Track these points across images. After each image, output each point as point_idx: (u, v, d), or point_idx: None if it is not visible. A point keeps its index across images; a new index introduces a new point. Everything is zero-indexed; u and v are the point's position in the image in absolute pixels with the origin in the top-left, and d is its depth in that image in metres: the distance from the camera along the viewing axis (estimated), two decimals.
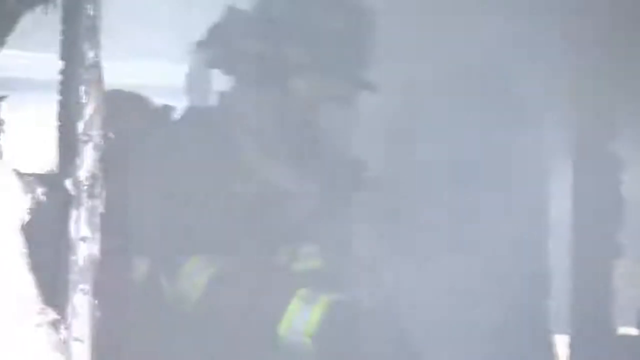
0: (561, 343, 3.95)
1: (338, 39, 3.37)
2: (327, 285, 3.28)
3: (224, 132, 3.39)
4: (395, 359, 3.21)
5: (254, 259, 3.24)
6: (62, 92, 2.61)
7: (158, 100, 3.30)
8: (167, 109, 3.37)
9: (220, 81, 3.52)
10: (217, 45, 3.31)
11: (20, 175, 2.59)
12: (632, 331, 3.93)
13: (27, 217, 2.59)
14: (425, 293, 4.10)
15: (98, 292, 2.59)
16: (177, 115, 3.44)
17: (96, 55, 2.59)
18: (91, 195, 2.59)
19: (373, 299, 3.36)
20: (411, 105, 4.42)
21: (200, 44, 3.37)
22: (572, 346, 3.89)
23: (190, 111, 3.54)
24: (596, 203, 4.19)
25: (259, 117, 3.50)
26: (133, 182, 2.86)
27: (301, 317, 3.11)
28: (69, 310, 2.57)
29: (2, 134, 2.58)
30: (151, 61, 3.81)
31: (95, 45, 2.60)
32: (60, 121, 2.61)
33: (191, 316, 3.17)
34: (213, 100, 3.60)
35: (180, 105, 3.47)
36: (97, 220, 2.59)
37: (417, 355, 3.33)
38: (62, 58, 2.61)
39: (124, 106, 3.04)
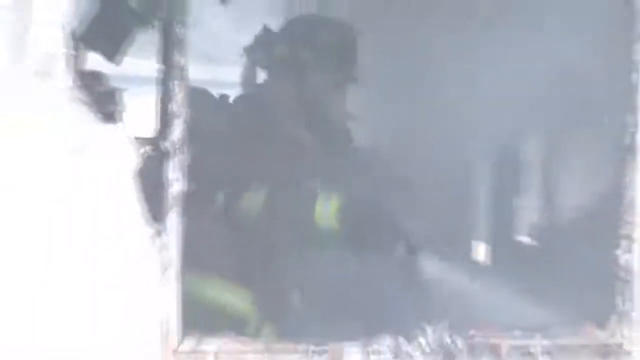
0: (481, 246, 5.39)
1: (335, 48, 4.92)
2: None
3: (264, 108, 4.92)
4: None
5: (288, 186, 4.79)
6: (161, 85, 4.02)
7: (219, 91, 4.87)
8: (224, 97, 4.94)
9: (261, 75, 5.01)
10: (258, 52, 4.85)
11: (136, 138, 3.98)
12: (525, 239, 5.34)
13: (139, 165, 3.98)
14: None
15: (184, 212, 4.00)
16: (232, 100, 5.01)
17: (183, 61, 3.99)
18: (180, 152, 4.00)
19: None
20: None
21: (247, 51, 4.90)
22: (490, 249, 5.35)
23: (242, 97, 5.08)
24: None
25: (287, 98, 5.00)
26: (206, 144, 4.30)
27: (325, 210, 4.66)
28: (167, 224, 3.99)
29: (124, 113, 3.99)
30: (215, 64, 5.28)
31: (183, 54, 4.00)
32: (160, 104, 4.02)
33: (253, 226, 4.68)
34: (256, 89, 5.12)
35: (234, 94, 4.97)
36: (184, 167, 4.01)
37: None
38: (161, 62, 4.01)
39: (198, 95, 4.48)
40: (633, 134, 4.28)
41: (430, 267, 4.80)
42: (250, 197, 4.76)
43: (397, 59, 5.96)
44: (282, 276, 4.87)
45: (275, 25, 4.94)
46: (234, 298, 4.77)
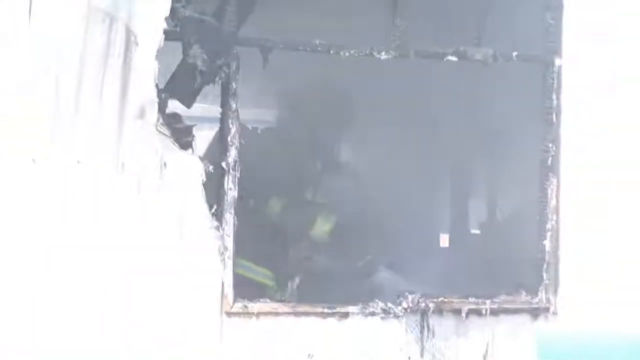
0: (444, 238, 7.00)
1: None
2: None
3: (281, 139, 6.69)
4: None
5: (299, 201, 6.53)
6: (221, 122, 5.60)
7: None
8: (254, 129, 6.73)
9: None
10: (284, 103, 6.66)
11: (202, 160, 5.54)
12: (476, 231, 6.93)
13: (204, 179, 5.53)
14: None
15: (236, 213, 5.56)
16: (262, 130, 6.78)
17: (236, 106, 5.57)
18: (233, 169, 5.58)
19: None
20: None
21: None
22: (450, 239, 6.94)
23: (267, 129, 6.91)
24: None
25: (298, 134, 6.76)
26: (252, 164, 5.92)
27: (321, 228, 6.44)
28: (224, 220, 5.56)
29: (194, 141, 5.54)
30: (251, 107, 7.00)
31: (236, 100, 5.58)
32: (220, 136, 5.60)
33: (273, 226, 6.38)
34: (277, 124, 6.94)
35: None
36: (236, 181, 5.58)
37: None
38: (221, 107, 5.60)
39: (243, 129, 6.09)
40: (553, 157, 5.90)
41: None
42: (272, 205, 6.47)
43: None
44: (289, 262, 6.51)
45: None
46: (256, 274, 6.44)
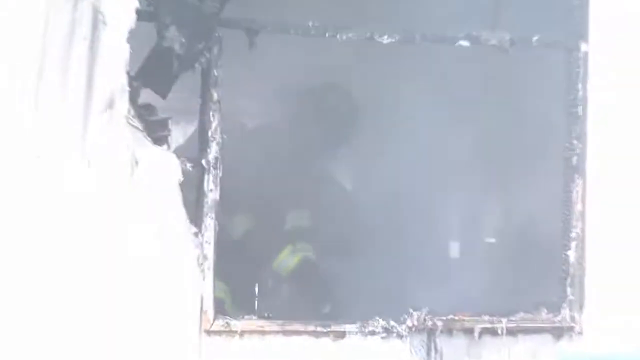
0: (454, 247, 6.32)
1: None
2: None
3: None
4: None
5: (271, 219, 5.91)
6: (201, 115, 4.99)
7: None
8: (243, 125, 6.03)
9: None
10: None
11: (179, 157, 4.94)
12: (491, 240, 6.26)
13: (181, 179, 4.93)
14: None
15: (218, 218, 4.95)
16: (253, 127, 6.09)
17: (218, 96, 4.96)
18: (215, 168, 4.96)
19: None
20: None
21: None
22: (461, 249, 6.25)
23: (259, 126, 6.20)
24: None
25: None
26: (235, 161, 5.28)
27: (285, 261, 5.82)
28: (204, 227, 4.94)
29: (170, 136, 4.95)
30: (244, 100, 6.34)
31: (218, 90, 4.96)
32: (200, 130, 4.99)
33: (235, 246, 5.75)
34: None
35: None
36: (218, 180, 4.96)
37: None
38: (201, 96, 4.99)
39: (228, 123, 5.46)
40: (579, 155, 5.27)
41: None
42: (236, 223, 5.83)
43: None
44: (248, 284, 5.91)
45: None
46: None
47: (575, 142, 5.27)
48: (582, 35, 5.31)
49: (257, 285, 5.69)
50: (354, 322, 5.08)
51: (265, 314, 5.05)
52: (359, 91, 6.17)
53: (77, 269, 4.74)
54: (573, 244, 5.25)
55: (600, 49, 5.25)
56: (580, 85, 5.28)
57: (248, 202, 5.83)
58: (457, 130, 5.99)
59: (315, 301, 5.87)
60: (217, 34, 4.95)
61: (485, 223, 6.14)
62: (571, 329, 5.24)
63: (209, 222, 4.96)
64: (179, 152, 4.97)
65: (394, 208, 6.15)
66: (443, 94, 5.94)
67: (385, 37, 5.12)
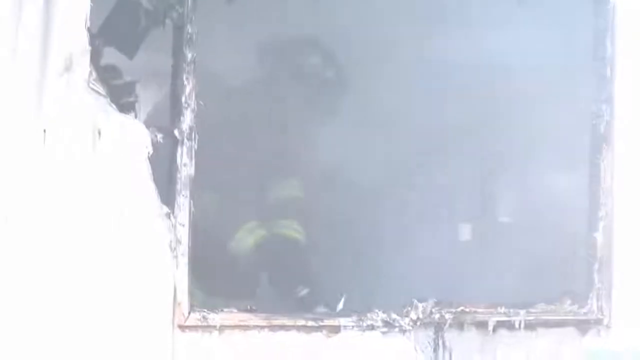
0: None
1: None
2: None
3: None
4: None
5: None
6: (173, 78, 4.41)
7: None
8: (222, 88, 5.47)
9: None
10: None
11: (148, 127, 4.36)
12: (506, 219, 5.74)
13: (150, 151, 4.36)
14: None
15: (192, 195, 4.38)
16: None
17: (192, 56, 4.38)
18: (189, 139, 4.39)
19: None
20: None
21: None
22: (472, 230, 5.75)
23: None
24: None
25: None
26: (212, 132, 4.69)
27: (243, 241, 5.39)
28: (176, 206, 4.37)
29: (137, 103, 4.38)
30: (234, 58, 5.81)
31: (192, 50, 4.38)
32: (172, 95, 4.41)
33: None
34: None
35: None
36: (192, 153, 4.39)
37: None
38: (173, 57, 4.41)
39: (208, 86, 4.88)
40: (607, 123, 4.72)
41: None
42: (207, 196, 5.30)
43: None
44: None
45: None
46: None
47: (603, 106, 4.74)
48: None
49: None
50: (349, 316, 4.56)
51: (248, 307, 4.48)
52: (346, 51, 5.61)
53: (34, 252, 4.20)
54: (601, 225, 4.75)
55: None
56: (608, 42, 4.74)
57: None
58: (463, 94, 5.45)
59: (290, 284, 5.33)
60: None
61: (499, 200, 5.61)
62: (599, 321, 4.77)
63: (183, 202, 4.39)
64: (148, 121, 4.46)
65: (390, 184, 5.61)
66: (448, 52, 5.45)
67: None
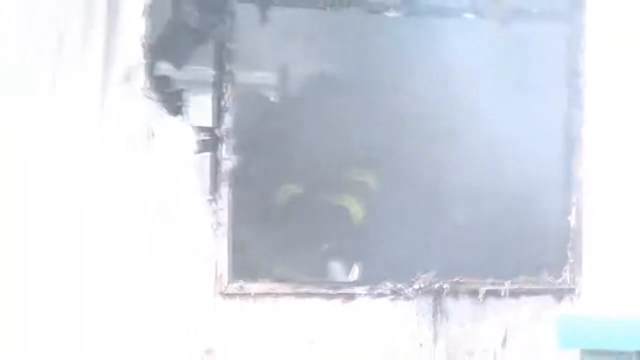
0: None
1: None
2: None
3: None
4: None
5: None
6: (214, 87, 5.15)
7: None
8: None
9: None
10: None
11: (195, 127, 5.11)
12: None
13: (197, 148, 5.10)
14: None
15: (233, 185, 5.12)
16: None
17: (231, 69, 5.12)
18: (228, 137, 5.13)
19: None
20: None
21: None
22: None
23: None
24: None
25: None
26: (248, 130, 5.46)
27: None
28: (218, 194, 5.10)
29: (185, 107, 5.11)
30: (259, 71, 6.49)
31: (231, 62, 5.12)
32: (214, 100, 5.15)
33: None
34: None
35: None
36: (231, 149, 5.13)
37: None
38: (214, 69, 5.15)
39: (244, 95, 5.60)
40: (578, 128, 5.40)
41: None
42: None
43: None
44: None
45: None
46: None
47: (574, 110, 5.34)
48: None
49: None
50: (363, 285, 5.25)
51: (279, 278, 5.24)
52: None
53: (95, 235, 4.94)
54: (573, 209, 5.39)
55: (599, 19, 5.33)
56: (580, 57, 5.37)
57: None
58: (456, 93, 6.05)
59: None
60: (230, 7, 5.06)
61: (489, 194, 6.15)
62: (571, 290, 5.38)
63: (224, 190, 5.14)
64: (194, 122, 5.10)
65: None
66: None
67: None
